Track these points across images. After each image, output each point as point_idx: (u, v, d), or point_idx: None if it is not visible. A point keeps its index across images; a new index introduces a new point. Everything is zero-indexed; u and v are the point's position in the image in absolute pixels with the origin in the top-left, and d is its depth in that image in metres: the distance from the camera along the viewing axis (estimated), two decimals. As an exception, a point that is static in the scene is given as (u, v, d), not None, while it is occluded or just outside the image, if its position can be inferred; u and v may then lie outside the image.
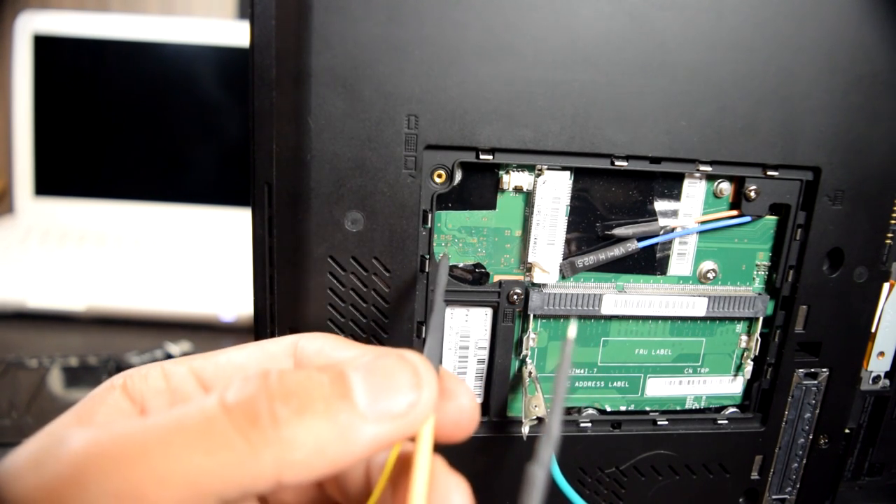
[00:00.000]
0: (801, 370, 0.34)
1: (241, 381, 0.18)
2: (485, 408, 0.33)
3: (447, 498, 0.19)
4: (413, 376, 0.19)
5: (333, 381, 0.18)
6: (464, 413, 0.21)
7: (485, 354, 0.32)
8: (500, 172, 0.30)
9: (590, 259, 0.31)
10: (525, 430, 0.31)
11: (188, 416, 0.17)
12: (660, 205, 0.31)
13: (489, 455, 0.33)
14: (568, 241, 0.31)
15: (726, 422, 0.34)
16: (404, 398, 0.18)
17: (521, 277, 0.31)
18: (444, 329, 0.31)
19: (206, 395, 0.18)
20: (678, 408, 0.35)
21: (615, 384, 0.34)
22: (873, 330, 0.34)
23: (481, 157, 0.28)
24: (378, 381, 0.18)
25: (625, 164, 0.29)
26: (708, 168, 0.30)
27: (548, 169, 0.29)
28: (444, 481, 0.20)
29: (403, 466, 0.20)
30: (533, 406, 0.31)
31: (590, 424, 0.33)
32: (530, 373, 0.32)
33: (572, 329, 0.20)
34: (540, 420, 0.30)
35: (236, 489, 0.16)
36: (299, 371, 0.18)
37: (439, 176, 0.28)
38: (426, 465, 0.19)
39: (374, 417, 0.18)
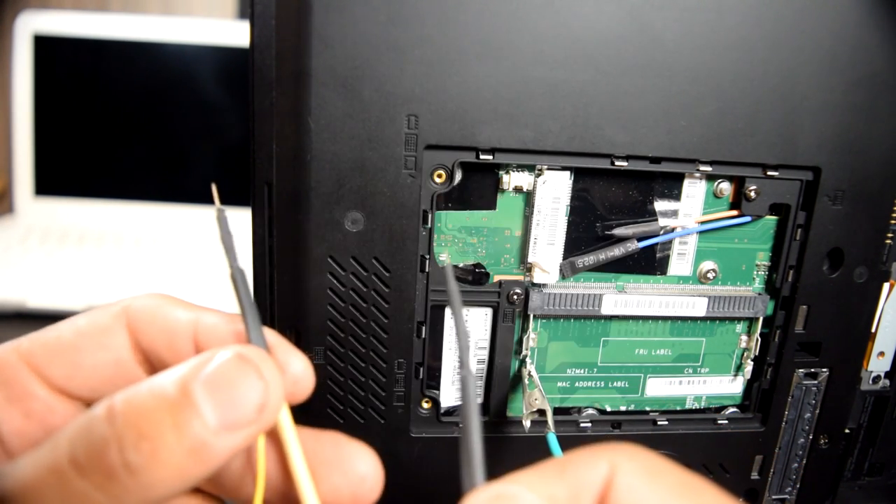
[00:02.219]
0: (801, 370, 0.34)
1: (85, 430, 0.17)
2: (485, 408, 0.33)
3: (354, 464, 0.20)
4: (257, 379, 0.18)
5: (180, 403, 0.17)
6: (300, 380, 0.21)
7: (485, 354, 0.32)
8: (500, 172, 0.30)
9: (590, 259, 0.31)
10: (527, 423, 0.31)
11: (43, 481, 0.16)
12: (660, 205, 0.31)
13: (489, 455, 0.32)
14: (568, 241, 0.31)
15: (726, 422, 0.34)
16: (252, 403, 0.18)
17: (521, 277, 0.31)
18: (444, 329, 0.31)
19: (51, 444, 0.17)
20: (678, 408, 0.35)
21: (615, 384, 0.34)
22: (873, 330, 0.34)
23: (481, 157, 0.28)
24: (224, 393, 0.18)
25: (625, 164, 0.29)
26: (708, 168, 0.30)
27: (548, 169, 0.29)
28: (347, 450, 0.20)
29: (275, 444, 0.20)
30: (533, 399, 0.31)
31: (590, 424, 0.33)
32: (530, 373, 0.32)
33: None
34: (541, 412, 0.30)
35: None
36: (142, 394, 0.17)
37: (439, 176, 0.28)
38: (298, 449, 0.19)
39: (227, 429, 0.17)
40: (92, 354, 0.21)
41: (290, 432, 0.20)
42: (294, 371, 0.21)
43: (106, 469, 0.16)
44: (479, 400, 0.33)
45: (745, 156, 0.30)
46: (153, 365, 0.22)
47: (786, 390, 0.34)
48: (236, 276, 0.21)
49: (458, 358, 0.21)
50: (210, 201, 0.78)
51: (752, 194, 0.31)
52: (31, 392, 0.21)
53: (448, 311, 0.31)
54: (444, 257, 0.30)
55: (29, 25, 0.76)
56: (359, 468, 0.21)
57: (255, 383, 0.18)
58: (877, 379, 0.35)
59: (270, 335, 0.21)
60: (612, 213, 0.31)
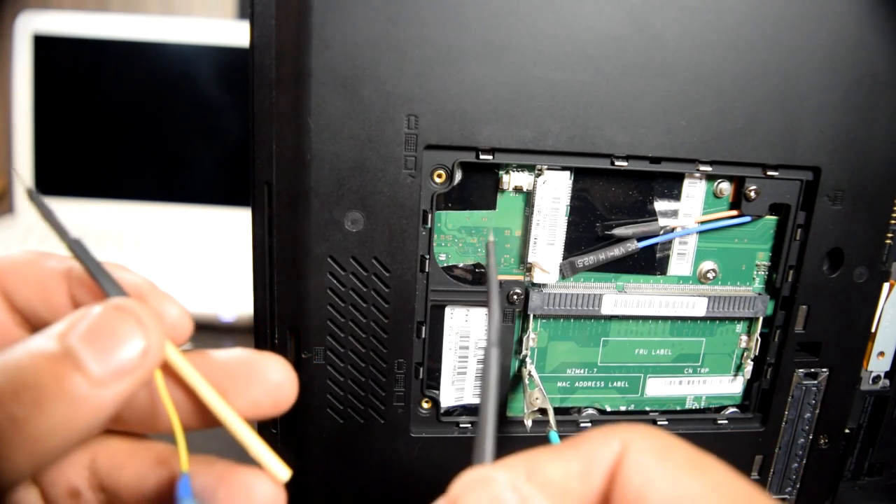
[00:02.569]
0: (801, 370, 0.34)
1: None
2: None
3: (267, 374, 0.20)
4: (136, 325, 0.18)
5: (59, 357, 0.17)
6: (177, 324, 0.21)
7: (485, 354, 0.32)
8: (500, 172, 0.30)
9: (590, 259, 0.31)
10: (528, 422, 0.31)
11: None
12: (660, 205, 0.31)
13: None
14: (568, 241, 0.31)
15: (726, 422, 0.34)
16: (134, 349, 0.18)
17: (521, 277, 0.31)
18: (444, 329, 0.31)
19: None
20: (678, 408, 0.35)
21: (615, 384, 0.34)
22: (873, 330, 0.34)
23: (481, 157, 0.28)
24: (104, 341, 0.18)
25: (625, 164, 0.29)
26: (708, 168, 0.30)
27: (548, 169, 0.29)
28: (258, 362, 0.20)
29: (179, 378, 0.20)
30: (534, 398, 0.31)
31: (590, 424, 0.33)
32: (530, 373, 0.32)
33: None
34: (542, 411, 0.30)
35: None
36: (19, 353, 0.17)
37: (439, 176, 0.28)
38: (196, 375, 0.20)
39: (113, 377, 0.17)
40: None
41: (183, 362, 0.20)
42: (171, 316, 0.21)
43: None
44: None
45: (745, 156, 0.30)
46: (34, 325, 0.21)
47: (786, 390, 0.34)
48: (74, 247, 0.20)
49: (485, 334, 0.22)
50: (210, 201, 0.78)
51: (752, 194, 0.31)
52: None
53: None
54: (492, 238, 0.30)
55: (29, 25, 0.76)
56: (272, 377, 0.21)
57: (134, 329, 0.18)
58: (877, 379, 0.35)
59: (143, 283, 0.21)
60: (612, 213, 0.31)
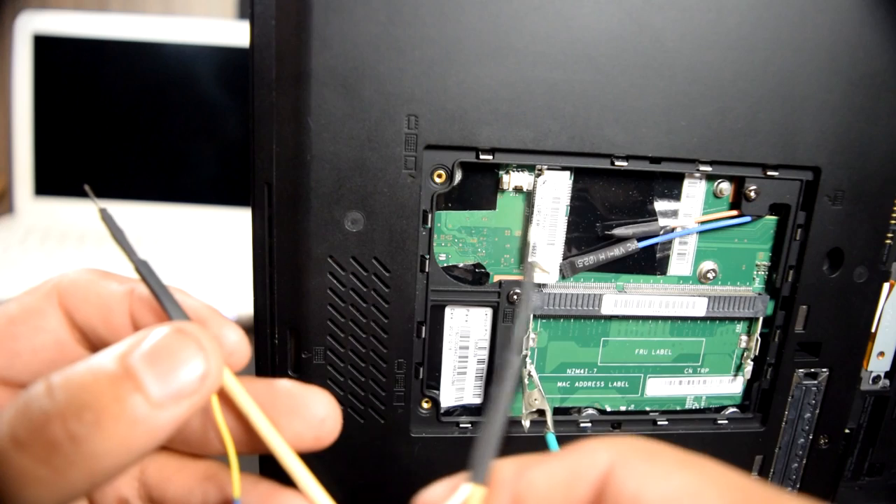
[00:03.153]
0: (801, 370, 0.34)
1: (24, 406, 0.17)
2: (485, 408, 0.33)
3: (311, 409, 0.21)
4: (196, 349, 0.18)
5: (121, 376, 0.17)
6: (236, 350, 0.21)
7: (485, 354, 0.32)
8: (500, 172, 0.30)
9: (590, 259, 0.31)
10: (526, 423, 0.31)
11: None
12: (660, 205, 0.31)
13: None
14: (568, 241, 0.31)
15: (726, 422, 0.34)
16: (194, 373, 0.18)
17: (521, 277, 0.31)
18: (445, 329, 0.31)
19: None
20: (678, 408, 0.35)
21: (615, 384, 0.34)
22: (873, 330, 0.34)
23: (481, 157, 0.28)
24: (165, 363, 0.18)
25: (625, 164, 0.29)
26: (708, 168, 0.30)
27: (548, 169, 0.29)
28: (302, 396, 0.21)
29: (232, 405, 0.21)
30: (532, 399, 0.31)
31: (590, 424, 0.33)
32: (529, 373, 0.32)
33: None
34: (540, 412, 0.30)
35: None
36: (81, 371, 0.17)
37: (439, 176, 0.28)
38: (252, 404, 0.20)
39: (171, 401, 0.17)
40: (28, 340, 0.21)
41: (240, 390, 0.20)
42: (230, 342, 0.21)
43: (48, 442, 0.16)
44: (479, 401, 0.33)
45: (745, 156, 0.30)
46: (93, 343, 0.21)
47: (786, 390, 0.34)
48: (141, 268, 0.21)
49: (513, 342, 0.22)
50: (210, 201, 0.78)
51: (752, 194, 0.31)
52: None
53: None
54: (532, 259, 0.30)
55: (29, 25, 0.76)
56: (317, 412, 0.21)
57: (195, 353, 0.18)
58: (877, 379, 0.35)
59: (203, 308, 0.21)
60: (612, 213, 0.31)
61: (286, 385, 0.21)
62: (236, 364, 0.21)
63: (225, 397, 0.20)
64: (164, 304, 0.20)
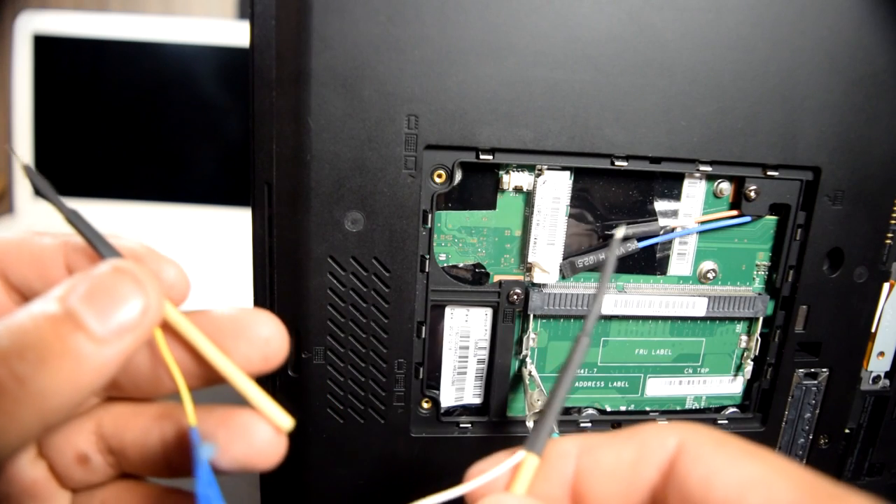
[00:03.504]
0: (801, 370, 0.34)
1: None
2: (485, 408, 0.33)
3: (256, 330, 0.21)
4: (135, 284, 0.19)
5: (61, 317, 0.17)
6: (175, 284, 0.21)
7: (485, 354, 0.32)
8: (500, 172, 0.30)
9: (590, 259, 0.31)
10: (530, 423, 0.31)
11: None
12: (660, 205, 0.31)
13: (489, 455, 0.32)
14: (568, 241, 0.31)
15: (726, 422, 0.34)
16: (134, 308, 0.18)
17: (521, 277, 0.31)
18: (445, 329, 0.31)
19: None
20: (678, 408, 0.35)
21: (615, 384, 0.34)
22: (873, 330, 0.34)
23: (481, 157, 0.28)
24: (104, 300, 0.18)
25: (625, 164, 0.29)
26: (708, 168, 0.30)
27: (548, 169, 0.29)
28: (247, 318, 0.21)
29: (178, 338, 0.21)
30: (535, 400, 0.31)
31: (590, 424, 0.33)
32: (530, 373, 0.32)
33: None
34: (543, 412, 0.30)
35: (5, 451, 0.17)
36: (21, 316, 0.17)
37: (439, 176, 0.28)
38: (196, 332, 0.20)
39: (114, 336, 0.18)
40: None
41: (182, 320, 0.20)
42: (168, 276, 0.21)
43: None
44: (479, 401, 0.33)
45: (745, 156, 0.30)
46: (29, 299, 0.21)
47: (786, 390, 0.34)
48: (71, 217, 0.21)
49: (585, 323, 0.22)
50: (210, 201, 0.78)
51: (752, 194, 0.31)
52: None
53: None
54: (620, 232, 0.30)
55: (29, 25, 0.76)
56: (261, 332, 0.21)
57: (133, 288, 0.19)
58: (877, 379, 0.35)
59: (139, 247, 0.21)
60: (612, 213, 0.31)
61: (229, 311, 0.21)
62: (178, 297, 0.21)
63: (169, 331, 0.20)
64: (98, 248, 0.20)
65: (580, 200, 0.31)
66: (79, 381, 0.17)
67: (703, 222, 0.32)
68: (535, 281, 0.31)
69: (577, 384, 0.33)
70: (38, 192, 0.21)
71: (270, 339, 0.21)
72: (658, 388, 0.34)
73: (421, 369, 0.31)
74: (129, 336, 0.18)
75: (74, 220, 0.21)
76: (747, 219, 0.32)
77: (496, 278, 0.31)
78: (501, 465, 0.19)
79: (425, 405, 0.32)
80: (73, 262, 0.21)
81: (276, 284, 0.28)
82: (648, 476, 0.18)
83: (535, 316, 0.31)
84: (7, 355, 0.17)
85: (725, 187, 0.31)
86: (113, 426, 0.22)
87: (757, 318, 0.33)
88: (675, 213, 0.32)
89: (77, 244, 0.21)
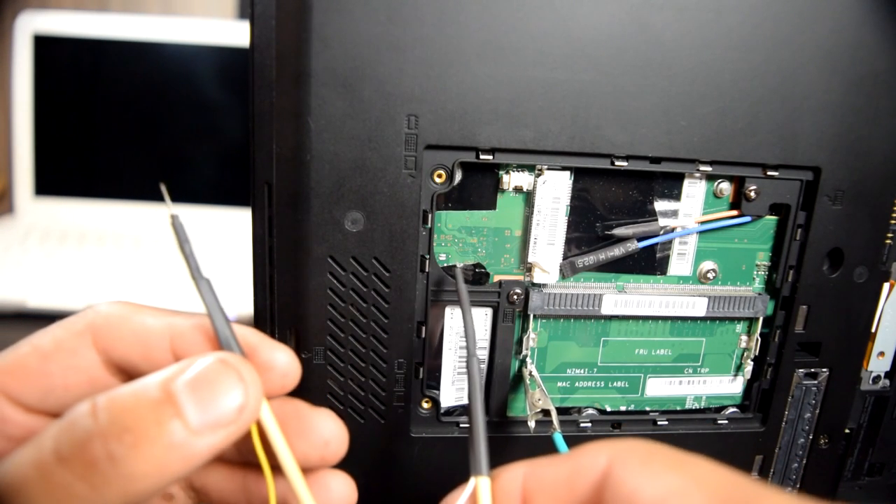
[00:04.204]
0: (801, 370, 0.34)
1: (69, 424, 0.17)
2: (486, 407, 0.33)
3: (317, 431, 0.22)
4: (237, 381, 0.19)
5: (162, 402, 0.18)
6: (288, 373, 0.22)
7: (485, 354, 0.32)
8: (500, 172, 0.30)
9: (590, 259, 0.31)
10: (532, 423, 0.31)
11: (26, 476, 0.17)
12: (660, 205, 0.31)
13: (494, 455, 0.32)
14: (568, 241, 0.31)
15: (726, 422, 0.34)
16: (233, 404, 0.19)
17: (521, 277, 0.31)
18: (445, 329, 0.31)
19: (35, 442, 0.18)
20: (678, 408, 0.35)
21: (615, 384, 0.34)
22: (873, 330, 0.34)
23: (481, 157, 0.28)
24: (205, 392, 0.18)
25: (625, 164, 0.29)
26: (708, 168, 0.30)
27: (548, 169, 0.29)
28: (309, 418, 0.22)
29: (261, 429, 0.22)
30: (536, 400, 0.31)
31: (590, 424, 0.33)
32: (530, 373, 0.32)
33: None
34: (545, 412, 0.30)
35: None
36: (125, 395, 0.18)
37: (439, 176, 0.28)
38: (285, 445, 0.21)
39: (209, 429, 0.18)
40: (61, 377, 0.21)
41: (274, 426, 0.21)
42: (281, 365, 0.22)
43: (89, 459, 0.17)
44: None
45: (745, 156, 0.30)
46: (130, 375, 0.22)
47: (786, 390, 0.34)
48: (201, 286, 0.21)
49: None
50: (210, 201, 0.78)
51: (752, 194, 0.31)
52: (7, 417, 0.21)
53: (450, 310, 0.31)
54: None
55: (29, 25, 0.76)
56: (322, 434, 0.22)
57: (236, 385, 0.19)
58: (877, 379, 0.35)
59: (252, 334, 0.22)
60: (612, 213, 0.31)
61: (294, 405, 0.22)
62: (288, 385, 0.22)
63: (259, 426, 0.21)
64: (216, 324, 0.21)
65: (580, 200, 0.31)
66: (167, 469, 0.17)
67: (703, 222, 0.32)
68: (535, 281, 0.31)
69: (577, 384, 0.33)
70: (181, 250, 0.21)
71: (330, 441, 0.22)
72: (658, 388, 0.34)
73: (421, 369, 0.31)
74: (222, 431, 0.18)
75: (204, 290, 0.21)
76: (747, 219, 0.32)
77: (496, 278, 0.31)
78: (462, 496, 0.21)
79: (425, 405, 0.32)
80: (178, 347, 0.22)
81: (275, 284, 0.28)
82: (584, 492, 0.19)
83: (535, 316, 0.31)
84: (107, 434, 0.17)
85: (725, 187, 0.31)
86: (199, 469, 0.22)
87: (757, 318, 0.33)
88: (675, 213, 0.32)
89: (183, 328, 0.22)
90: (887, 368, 0.35)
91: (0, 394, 0.21)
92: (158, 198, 0.79)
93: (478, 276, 0.31)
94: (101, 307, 0.22)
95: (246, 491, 0.23)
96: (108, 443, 0.17)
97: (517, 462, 0.21)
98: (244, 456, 0.24)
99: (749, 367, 0.34)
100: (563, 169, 0.29)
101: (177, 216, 0.21)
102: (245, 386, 0.19)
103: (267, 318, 0.29)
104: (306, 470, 0.22)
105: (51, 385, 0.21)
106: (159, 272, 0.69)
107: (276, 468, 0.22)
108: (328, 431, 0.22)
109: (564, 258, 0.31)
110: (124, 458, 0.17)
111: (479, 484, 0.21)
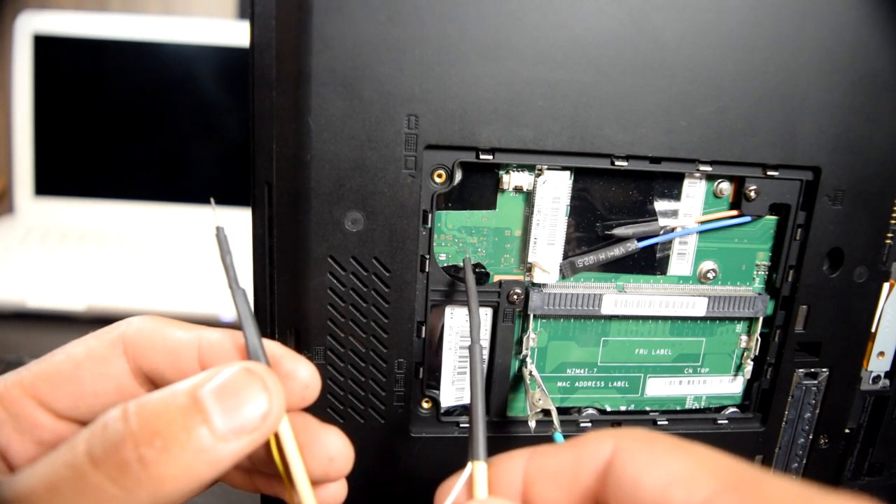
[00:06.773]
0: (801, 370, 0.34)
1: (101, 427, 0.18)
2: (486, 407, 0.33)
3: (323, 447, 0.22)
4: (262, 390, 0.20)
5: (190, 409, 0.19)
6: (309, 385, 0.23)
7: (485, 354, 0.32)
8: (500, 172, 0.30)
9: (590, 259, 0.31)
10: (532, 423, 0.31)
11: (59, 477, 0.18)
12: (660, 205, 0.31)
13: (489, 455, 0.32)
14: (568, 241, 0.31)
15: (726, 422, 0.34)
16: (257, 412, 0.20)
17: (521, 277, 0.31)
18: (445, 329, 0.32)
19: (69, 445, 0.18)
20: (678, 408, 0.35)
21: (615, 384, 0.34)
22: (873, 330, 0.34)
23: (481, 157, 0.28)
24: (231, 400, 0.19)
25: (625, 164, 0.29)
26: (708, 168, 0.30)
27: (548, 169, 0.29)
28: (315, 433, 0.22)
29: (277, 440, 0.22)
30: (536, 399, 0.31)
31: (590, 424, 0.33)
32: (531, 372, 0.32)
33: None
34: (545, 412, 0.30)
35: None
36: (155, 400, 0.19)
37: (439, 176, 0.28)
38: (298, 458, 0.21)
39: (234, 435, 0.19)
40: (92, 385, 0.22)
41: (290, 436, 0.22)
42: (302, 377, 0.22)
43: (120, 462, 0.17)
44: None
45: (745, 156, 0.30)
46: (157, 385, 0.23)
47: (786, 390, 0.34)
48: (237, 296, 0.22)
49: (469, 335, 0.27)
50: (209, 201, 0.78)
51: (752, 194, 0.31)
52: (39, 423, 0.22)
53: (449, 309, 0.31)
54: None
55: (29, 25, 0.76)
56: (328, 450, 0.23)
57: (261, 394, 0.20)
58: (877, 379, 0.35)
59: (276, 347, 0.23)
60: (612, 213, 0.31)
61: (303, 420, 0.23)
62: (309, 398, 0.23)
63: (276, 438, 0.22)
64: (246, 333, 0.22)
65: (580, 200, 0.31)
66: (194, 472, 0.18)
67: (703, 222, 0.32)
68: (535, 281, 0.31)
69: (577, 384, 0.33)
70: (223, 258, 0.22)
71: (335, 458, 0.23)
72: (658, 388, 0.34)
73: (421, 369, 0.31)
74: (246, 437, 0.19)
75: (238, 299, 0.22)
76: (747, 219, 0.32)
77: (496, 278, 0.31)
78: (459, 481, 0.22)
79: (425, 405, 0.32)
80: (205, 357, 0.23)
81: (276, 284, 0.28)
82: (587, 480, 0.20)
83: (535, 316, 0.31)
84: (138, 438, 0.18)
85: (725, 187, 0.31)
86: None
87: (757, 318, 0.33)
88: (675, 213, 0.32)
89: (211, 339, 0.23)
90: (887, 368, 0.35)
91: (34, 399, 0.22)
92: (158, 198, 0.79)
93: (478, 276, 0.31)
94: (134, 320, 0.23)
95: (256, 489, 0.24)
96: (139, 446, 0.18)
97: (518, 450, 0.22)
98: (254, 464, 0.24)
99: (749, 366, 0.34)
100: (563, 169, 0.30)
101: (221, 228, 0.22)
102: (269, 395, 0.20)
103: (267, 318, 0.29)
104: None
105: (81, 392, 0.22)
106: (159, 272, 0.69)
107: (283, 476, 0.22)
108: (334, 448, 0.23)
109: (564, 258, 0.31)
110: (154, 462, 0.18)
111: (476, 468, 0.21)
